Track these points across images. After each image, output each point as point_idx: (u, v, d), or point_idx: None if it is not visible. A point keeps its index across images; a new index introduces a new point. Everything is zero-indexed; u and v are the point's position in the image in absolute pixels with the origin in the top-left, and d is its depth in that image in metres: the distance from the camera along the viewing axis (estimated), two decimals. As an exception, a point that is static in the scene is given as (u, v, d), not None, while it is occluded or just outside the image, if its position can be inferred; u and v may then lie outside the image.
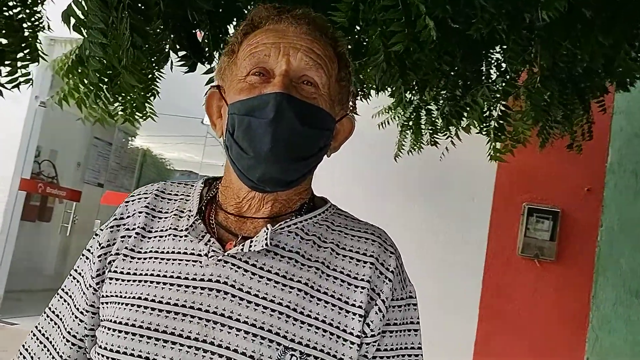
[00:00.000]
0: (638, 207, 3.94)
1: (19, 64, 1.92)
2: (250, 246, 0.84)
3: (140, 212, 0.95)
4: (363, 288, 0.86)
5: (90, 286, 0.92)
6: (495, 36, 2.00)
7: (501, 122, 1.97)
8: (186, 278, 0.84)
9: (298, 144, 0.85)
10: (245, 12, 1.73)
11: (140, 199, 0.98)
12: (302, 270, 0.85)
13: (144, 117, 2.45)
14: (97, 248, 0.94)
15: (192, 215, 0.91)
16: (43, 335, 0.97)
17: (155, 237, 0.92)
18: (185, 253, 0.87)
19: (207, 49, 1.65)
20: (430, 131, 3.32)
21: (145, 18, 1.14)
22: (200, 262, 0.85)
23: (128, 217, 0.96)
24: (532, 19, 1.62)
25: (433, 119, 3.20)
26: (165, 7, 1.28)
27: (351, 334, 0.84)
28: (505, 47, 2.24)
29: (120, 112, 2.29)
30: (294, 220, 0.90)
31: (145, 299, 0.84)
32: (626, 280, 3.91)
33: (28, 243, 6.81)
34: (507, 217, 4.19)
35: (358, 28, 1.86)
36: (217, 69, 0.98)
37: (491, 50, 2.37)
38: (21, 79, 1.95)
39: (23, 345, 0.98)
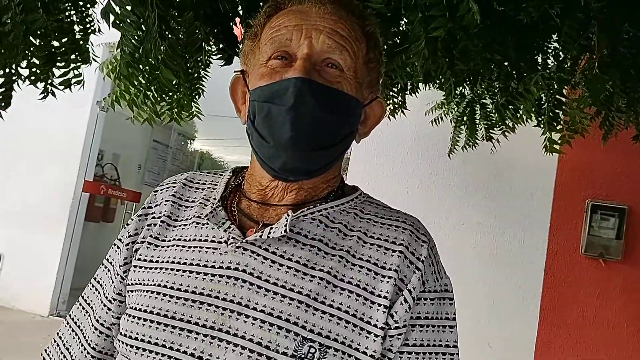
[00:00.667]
0: None
1: (71, 65, 1.99)
2: (270, 233, 0.82)
3: (167, 201, 0.95)
4: (390, 277, 0.81)
5: (117, 274, 0.93)
6: (550, 22, 1.90)
7: (556, 110, 1.86)
8: (205, 265, 0.83)
9: (320, 132, 0.82)
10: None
11: (168, 187, 0.97)
12: (324, 259, 0.81)
13: (190, 117, 2.49)
14: (126, 237, 0.95)
15: (214, 203, 0.89)
16: (75, 323, 0.98)
17: (179, 225, 0.91)
18: (205, 240, 0.86)
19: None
20: (486, 126, 3.21)
21: (176, 10, 1.14)
22: (220, 249, 0.84)
23: (156, 205, 0.95)
24: (588, 0, 1.53)
25: (488, 113, 3.09)
26: (195, -1, 1.27)
27: (375, 325, 0.79)
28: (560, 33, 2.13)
29: (166, 111, 2.33)
30: (318, 207, 0.86)
31: (165, 286, 0.83)
32: (701, 281, 3.66)
33: (92, 242, 7.07)
34: (568, 215, 4.01)
35: (404, 20, 1.81)
36: (241, 53, 0.95)
37: (548, 40, 2.26)
38: (73, 80, 2.01)
39: (57, 333, 1.00)
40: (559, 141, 1.96)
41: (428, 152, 4.36)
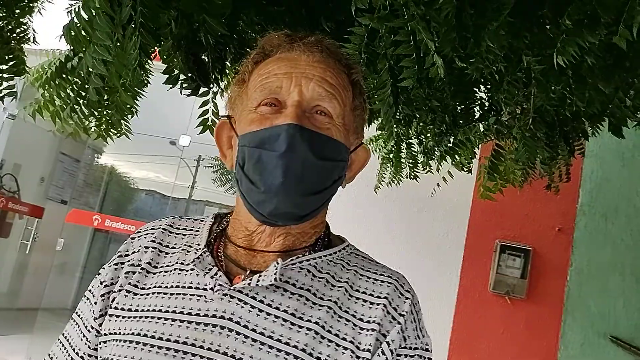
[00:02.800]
0: (607, 251, 4.01)
1: (5, 76, 1.86)
2: (258, 281, 0.80)
3: (146, 248, 0.90)
4: (373, 330, 0.82)
5: (92, 327, 0.87)
6: (487, 76, 2.02)
7: (495, 161, 1.99)
8: (189, 313, 0.79)
9: (311, 177, 0.82)
10: (245, 37, 1.71)
11: (147, 234, 0.93)
12: (312, 309, 0.81)
13: (119, 134, 2.39)
14: (99, 287, 0.89)
15: (199, 249, 0.86)
16: None
17: (160, 272, 0.87)
18: (190, 287, 0.83)
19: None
20: (410, 165, 3.32)
21: (155, 38, 1.11)
22: (205, 296, 0.81)
23: (133, 253, 0.91)
24: (529, 62, 1.65)
25: (414, 154, 3.21)
26: (177, 29, 1.25)
27: None
28: (490, 86, 2.28)
29: (94, 128, 2.23)
30: (307, 256, 0.86)
31: (145, 335, 0.79)
32: (595, 322, 3.95)
33: (-17, 259, 6.54)
34: (480, 254, 4.22)
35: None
36: (227, 98, 0.94)
37: (475, 89, 2.40)
38: (5, 92, 1.89)
39: None
40: (493, 188, 2.08)
41: (351, 187, 4.44)
